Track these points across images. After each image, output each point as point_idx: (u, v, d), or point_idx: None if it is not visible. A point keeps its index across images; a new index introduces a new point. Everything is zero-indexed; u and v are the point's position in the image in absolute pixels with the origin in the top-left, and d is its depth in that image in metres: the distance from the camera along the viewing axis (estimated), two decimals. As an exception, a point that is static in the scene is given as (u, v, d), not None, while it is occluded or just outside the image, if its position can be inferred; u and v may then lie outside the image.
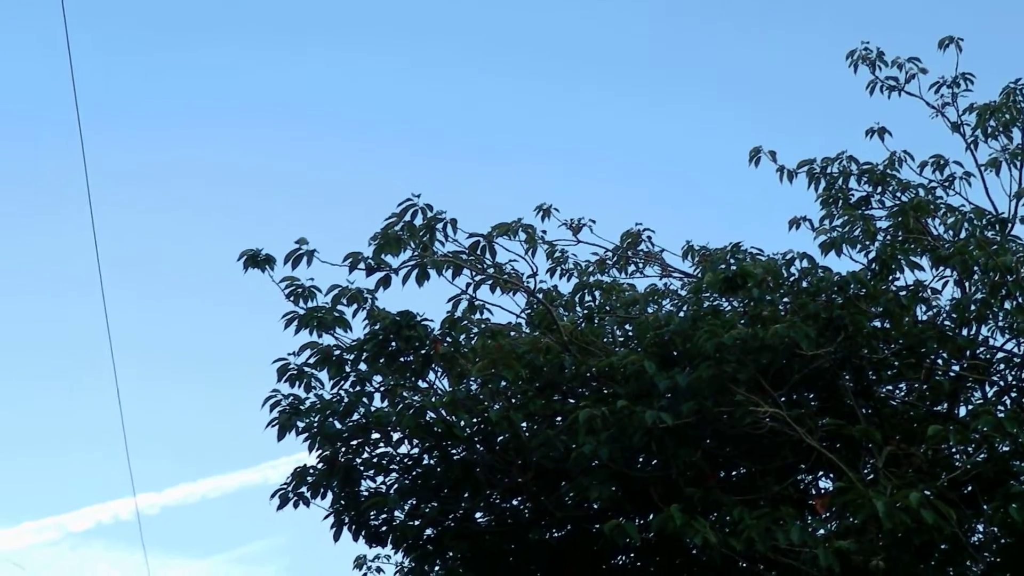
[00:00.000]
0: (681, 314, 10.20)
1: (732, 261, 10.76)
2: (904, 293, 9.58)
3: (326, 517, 10.16)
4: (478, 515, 10.43)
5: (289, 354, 9.83)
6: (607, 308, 11.33)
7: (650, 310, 11.13)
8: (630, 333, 10.73)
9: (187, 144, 37.90)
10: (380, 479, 10.25)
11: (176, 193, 39.13)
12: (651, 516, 8.88)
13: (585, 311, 11.27)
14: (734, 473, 9.76)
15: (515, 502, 10.46)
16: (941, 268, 9.99)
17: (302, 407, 9.85)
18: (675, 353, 9.27)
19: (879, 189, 11.74)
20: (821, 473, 9.82)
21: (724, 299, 9.83)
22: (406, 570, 11.97)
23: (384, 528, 10.21)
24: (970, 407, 10.00)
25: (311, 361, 9.78)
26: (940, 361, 9.95)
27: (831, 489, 8.88)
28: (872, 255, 9.87)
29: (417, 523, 10.18)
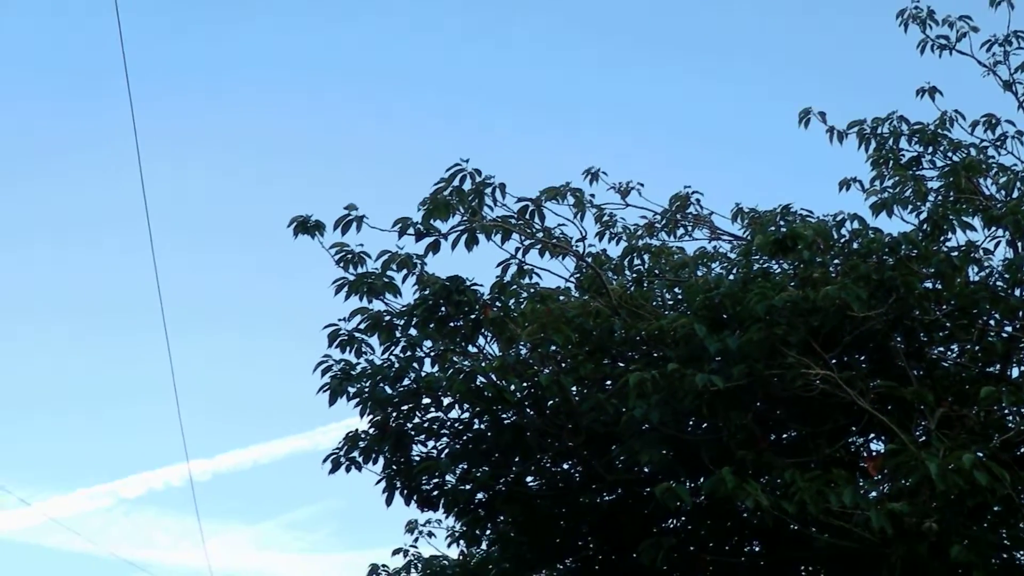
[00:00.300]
0: (731, 277, 10.16)
1: (782, 223, 10.69)
2: (956, 254, 9.48)
3: (378, 482, 10.24)
4: (529, 479, 10.46)
5: (340, 319, 9.91)
6: (656, 271, 11.30)
7: (700, 273, 11.08)
8: (679, 296, 10.69)
9: (239, 109, 38.12)
10: (431, 444, 10.30)
11: (228, 157, 39.43)
12: (702, 479, 8.88)
13: (634, 275, 11.24)
14: (785, 436, 9.73)
15: (566, 466, 10.48)
16: (993, 228, 9.86)
17: (353, 372, 9.91)
18: (725, 316, 9.22)
19: (930, 149, 11.63)
20: (873, 435, 9.76)
21: (774, 261, 9.77)
22: (457, 534, 12.08)
23: (435, 492, 10.27)
24: (1023, 368, 9.93)
25: (362, 326, 9.83)
26: (993, 322, 9.84)
27: (883, 451, 8.83)
28: (923, 216, 9.79)
29: (468, 487, 10.23)
